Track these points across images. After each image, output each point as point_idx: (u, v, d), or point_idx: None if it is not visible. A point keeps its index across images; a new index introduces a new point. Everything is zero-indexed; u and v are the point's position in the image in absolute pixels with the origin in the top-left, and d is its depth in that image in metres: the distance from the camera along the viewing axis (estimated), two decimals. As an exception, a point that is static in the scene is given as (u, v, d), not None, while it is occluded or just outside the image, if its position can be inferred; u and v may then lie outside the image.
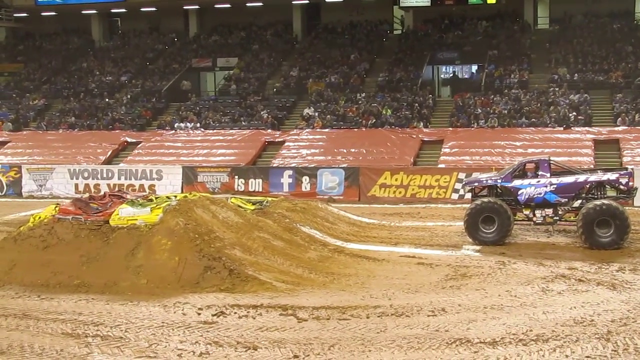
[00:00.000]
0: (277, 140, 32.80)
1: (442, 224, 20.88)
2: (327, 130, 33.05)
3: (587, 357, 9.14)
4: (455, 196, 26.10)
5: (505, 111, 32.27)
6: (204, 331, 10.52)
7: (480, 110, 32.62)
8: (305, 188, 27.85)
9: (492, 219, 17.18)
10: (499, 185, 17.85)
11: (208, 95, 41.09)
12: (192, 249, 13.50)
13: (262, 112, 35.17)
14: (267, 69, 40.05)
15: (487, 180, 18.35)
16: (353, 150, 30.78)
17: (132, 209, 14.51)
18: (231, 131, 34.08)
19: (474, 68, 39.05)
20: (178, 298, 12.27)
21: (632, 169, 18.18)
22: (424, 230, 19.78)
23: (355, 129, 32.82)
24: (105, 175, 30.04)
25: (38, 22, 45.37)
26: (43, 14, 44.32)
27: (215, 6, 42.91)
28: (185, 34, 44.98)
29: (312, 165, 29.09)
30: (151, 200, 15.35)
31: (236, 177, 28.81)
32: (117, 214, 14.45)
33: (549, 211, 17.46)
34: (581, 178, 17.52)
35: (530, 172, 18.17)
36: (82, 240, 14.21)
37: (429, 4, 37.87)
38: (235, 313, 11.37)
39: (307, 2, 41.92)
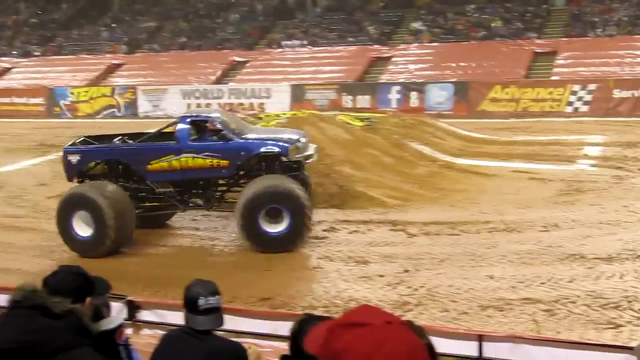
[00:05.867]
0: (384, 55, 32.38)
1: (555, 137, 20.25)
2: (435, 44, 32.34)
3: None
4: (569, 109, 25.34)
5: (626, 18, 30.62)
6: (315, 246, 10.73)
7: (597, 19, 31.09)
8: (414, 104, 27.55)
9: None
10: None
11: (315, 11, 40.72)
12: (302, 166, 13.66)
13: (368, 28, 34.71)
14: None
15: None
16: (462, 64, 30.02)
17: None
18: (338, 47, 33.83)
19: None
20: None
21: None
22: (536, 144, 19.25)
23: (465, 42, 31.95)
24: (215, 95, 30.63)
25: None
26: None
27: None
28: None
29: (420, 81, 28.66)
30: (261, 118, 15.59)
31: (344, 94, 28.77)
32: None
33: None
34: None
35: None
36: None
37: None
38: (345, 228, 11.53)
39: None
